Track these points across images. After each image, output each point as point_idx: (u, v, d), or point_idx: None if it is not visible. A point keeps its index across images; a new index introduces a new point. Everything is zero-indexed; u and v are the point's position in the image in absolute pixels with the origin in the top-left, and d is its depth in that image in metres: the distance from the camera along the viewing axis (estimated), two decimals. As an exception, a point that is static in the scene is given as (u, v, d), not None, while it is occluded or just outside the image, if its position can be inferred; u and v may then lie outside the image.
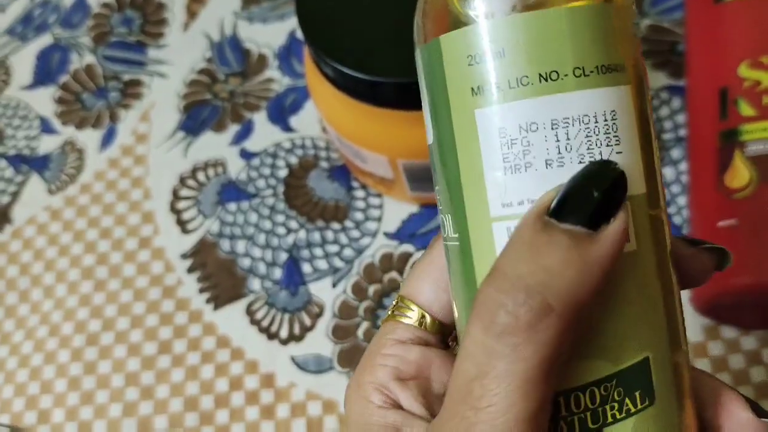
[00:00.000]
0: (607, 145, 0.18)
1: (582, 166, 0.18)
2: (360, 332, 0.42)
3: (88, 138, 0.51)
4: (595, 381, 0.18)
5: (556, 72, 0.18)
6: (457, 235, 0.20)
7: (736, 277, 0.35)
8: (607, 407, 0.18)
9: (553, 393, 0.18)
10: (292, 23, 0.53)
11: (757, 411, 0.21)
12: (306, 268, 0.44)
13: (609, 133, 0.18)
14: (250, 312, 0.43)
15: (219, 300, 0.44)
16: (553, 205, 0.17)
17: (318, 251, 0.45)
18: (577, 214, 0.17)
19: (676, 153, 0.44)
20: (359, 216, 0.45)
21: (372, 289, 0.43)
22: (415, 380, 0.22)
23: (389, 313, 0.24)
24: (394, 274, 0.43)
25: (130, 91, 0.52)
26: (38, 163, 0.51)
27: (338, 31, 0.38)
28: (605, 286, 0.17)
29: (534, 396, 0.17)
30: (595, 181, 0.17)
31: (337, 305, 0.43)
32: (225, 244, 0.46)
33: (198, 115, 0.50)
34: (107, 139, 0.51)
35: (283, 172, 0.47)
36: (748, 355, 0.39)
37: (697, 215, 0.39)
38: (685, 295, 0.40)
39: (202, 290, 0.44)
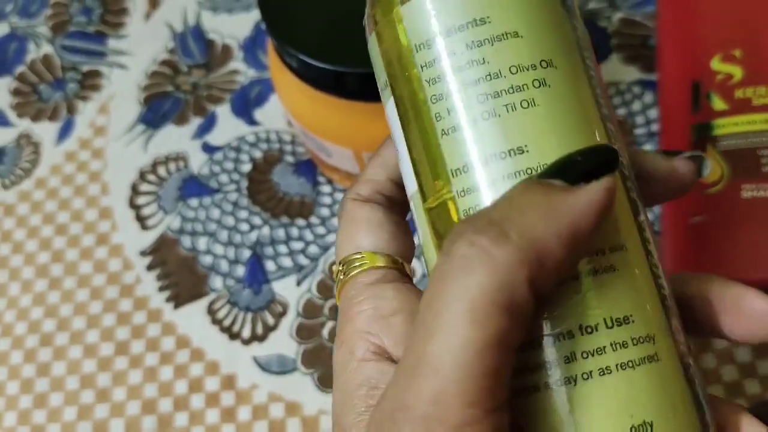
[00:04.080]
0: None
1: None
2: (325, 332, 0.41)
3: (45, 131, 0.49)
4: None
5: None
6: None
7: (708, 273, 0.35)
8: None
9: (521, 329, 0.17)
10: (257, 13, 0.51)
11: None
12: (270, 265, 0.43)
13: None
14: (211, 311, 0.42)
15: (179, 299, 0.42)
16: (541, 171, 0.18)
17: (282, 248, 0.43)
18: (559, 174, 0.18)
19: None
20: (325, 212, 0.44)
21: (337, 287, 0.42)
22: (398, 315, 0.20)
23: (339, 281, 0.22)
24: (360, 272, 0.42)
25: (89, 82, 0.51)
26: (-8, 157, 0.49)
27: (301, 21, 0.36)
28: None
29: (486, 324, 0.16)
30: (581, 151, 0.18)
31: (301, 304, 0.42)
32: (186, 241, 0.44)
33: (159, 108, 0.49)
34: (64, 132, 0.49)
35: (246, 167, 0.46)
36: (720, 355, 0.38)
37: (669, 210, 0.38)
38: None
39: (161, 288, 0.43)
